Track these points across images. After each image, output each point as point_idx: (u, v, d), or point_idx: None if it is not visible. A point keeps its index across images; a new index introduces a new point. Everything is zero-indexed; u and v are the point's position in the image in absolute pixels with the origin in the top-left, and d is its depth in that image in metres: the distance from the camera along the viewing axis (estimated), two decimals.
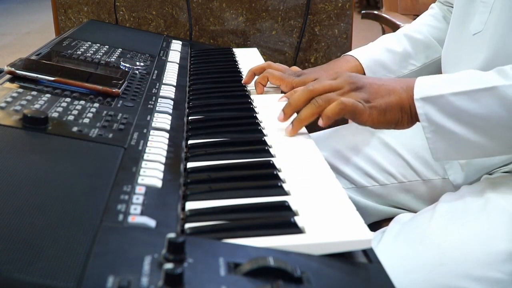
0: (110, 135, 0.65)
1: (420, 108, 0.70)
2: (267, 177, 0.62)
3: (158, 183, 0.56)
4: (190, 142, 0.72)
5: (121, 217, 0.48)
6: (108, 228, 0.46)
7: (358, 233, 0.51)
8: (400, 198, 0.96)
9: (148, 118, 0.74)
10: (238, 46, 1.49)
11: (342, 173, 0.98)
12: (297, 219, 0.52)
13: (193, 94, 0.93)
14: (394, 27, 1.59)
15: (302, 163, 0.67)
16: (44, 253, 0.40)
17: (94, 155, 0.60)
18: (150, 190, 0.54)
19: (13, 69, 0.78)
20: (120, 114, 0.72)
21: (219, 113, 0.83)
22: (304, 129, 0.77)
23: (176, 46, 1.24)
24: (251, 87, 0.99)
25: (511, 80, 0.67)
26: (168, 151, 0.65)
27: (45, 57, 0.91)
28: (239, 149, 0.69)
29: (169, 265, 0.40)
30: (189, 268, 0.42)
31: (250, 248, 0.47)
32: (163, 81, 0.94)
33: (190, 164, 0.65)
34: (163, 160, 0.62)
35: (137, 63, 0.99)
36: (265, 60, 1.24)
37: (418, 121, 0.72)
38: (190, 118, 0.80)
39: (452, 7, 1.03)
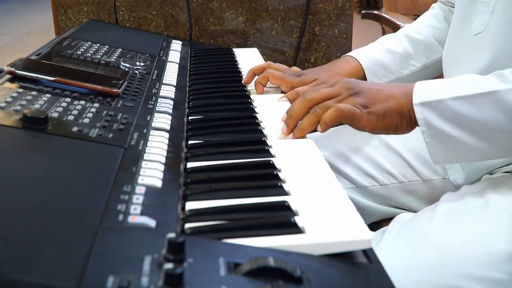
0: (110, 135, 0.65)
1: (419, 113, 0.70)
2: (267, 177, 0.62)
3: (158, 183, 0.56)
4: (190, 142, 0.72)
5: (121, 217, 0.48)
6: (108, 228, 0.46)
7: (358, 233, 0.51)
8: (400, 198, 0.96)
9: (148, 118, 0.74)
10: (238, 46, 1.49)
11: (342, 173, 0.98)
12: (297, 219, 0.52)
13: (193, 94, 0.93)
14: (394, 27, 1.59)
15: (302, 163, 0.67)
16: (44, 253, 0.40)
17: (94, 155, 0.60)
18: (150, 190, 0.54)
19: (13, 69, 0.78)
20: (120, 114, 0.72)
21: (219, 113, 0.83)
22: None
23: (176, 46, 1.24)
24: (251, 87, 0.99)
25: (510, 84, 0.67)
26: (168, 151, 0.65)
27: (45, 57, 0.91)
28: (239, 149, 0.69)
29: (169, 265, 0.40)
30: (189, 268, 0.42)
31: (250, 248, 0.47)
32: (163, 81, 0.94)
33: (190, 164, 0.65)
34: (163, 160, 0.62)
35: (137, 63, 0.99)
36: (265, 60, 1.24)
37: (417, 126, 0.72)
38: (190, 118, 0.80)
39: (454, 7, 1.03)
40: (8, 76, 0.78)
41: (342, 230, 0.51)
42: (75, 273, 0.39)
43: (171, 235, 0.43)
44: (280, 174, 0.62)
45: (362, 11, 1.91)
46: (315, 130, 0.76)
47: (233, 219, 0.53)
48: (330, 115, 0.72)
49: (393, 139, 0.98)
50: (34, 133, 0.61)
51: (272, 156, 0.68)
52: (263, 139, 0.73)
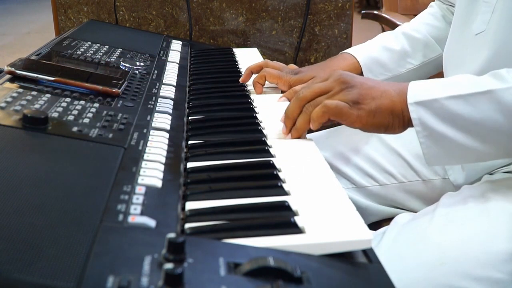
0: (110, 135, 0.65)
1: (414, 112, 0.69)
2: (267, 177, 0.62)
3: (158, 183, 0.56)
4: (190, 142, 0.72)
5: (121, 217, 0.48)
6: (108, 228, 0.46)
7: (358, 233, 0.51)
8: (400, 198, 0.96)
9: (148, 118, 0.74)
10: (238, 46, 1.49)
11: (342, 173, 0.98)
12: (297, 219, 0.52)
13: (193, 94, 0.93)
14: (394, 27, 1.58)
15: (302, 163, 0.67)
16: (44, 253, 0.40)
17: (94, 155, 0.60)
18: (150, 190, 0.54)
19: (13, 69, 0.78)
20: (120, 114, 0.72)
21: (219, 113, 0.83)
22: None
23: (176, 46, 1.24)
24: (251, 87, 0.99)
25: (507, 83, 0.66)
26: (168, 151, 0.65)
27: (45, 57, 0.91)
28: (239, 149, 0.69)
29: (169, 265, 0.40)
30: (189, 268, 0.42)
31: (250, 248, 0.47)
32: (163, 81, 0.94)
33: (190, 164, 0.65)
34: (163, 160, 0.62)
35: (137, 63, 0.99)
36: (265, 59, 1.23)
37: (411, 126, 0.71)
38: (190, 118, 0.80)
39: (452, 6, 1.03)
40: (8, 76, 0.78)
41: (342, 230, 0.51)
42: (75, 273, 0.39)
43: (171, 235, 0.43)
44: (280, 174, 0.62)
45: (362, 11, 1.91)
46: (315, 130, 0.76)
47: (233, 219, 0.53)
48: (317, 112, 0.71)
49: (393, 139, 0.98)
50: (34, 133, 0.61)
51: (272, 156, 0.68)
52: (263, 139, 0.73)
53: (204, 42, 1.48)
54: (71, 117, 0.67)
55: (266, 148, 0.69)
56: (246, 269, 0.43)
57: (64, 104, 0.71)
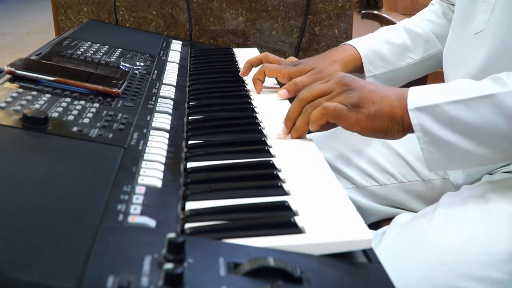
0: (110, 135, 0.65)
1: (415, 118, 0.69)
2: (267, 177, 0.62)
3: (158, 183, 0.56)
4: (190, 142, 0.72)
5: (121, 217, 0.48)
6: (108, 228, 0.46)
7: (358, 233, 0.51)
8: (400, 198, 0.96)
9: (148, 118, 0.74)
10: (238, 46, 1.49)
11: (342, 173, 0.98)
12: (297, 219, 0.52)
13: (193, 94, 0.93)
14: None
15: (302, 163, 0.67)
16: (44, 253, 0.40)
17: (94, 155, 0.60)
18: (150, 190, 0.54)
19: (13, 69, 0.78)
20: (120, 114, 0.72)
21: (219, 113, 0.83)
22: None
23: (176, 46, 1.24)
24: (251, 87, 0.99)
25: (507, 87, 0.66)
26: (168, 151, 0.65)
27: (45, 57, 0.91)
28: (239, 149, 0.69)
29: (169, 265, 0.40)
30: (189, 268, 0.42)
31: (250, 248, 0.47)
32: (163, 81, 0.94)
33: (190, 164, 0.65)
34: (163, 160, 0.62)
35: (137, 63, 0.99)
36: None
37: (410, 132, 0.71)
38: (190, 118, 0.80)
39: (452, 4, 1.03)
40: (8, 76, 0.78)
41: (342, 230, 0.51)
42: (75, 273, 0.39)
43: (171, 235, 0.43)
44: (280, 174, 0.62)
45: (362, 11, 1.91)
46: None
47: (233, 219, 0.53)
48: (316, 114, 0.71)
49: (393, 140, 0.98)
50: (34, 133, 0.61)
51: (272, 156, 0.68)
52: (263, 139, 0.73)
53: (204, 42, 1.48)
54: (71, 117, 0.67)
55: (266, 148, 0.69)
56: (246, 269, 0.43)
57: (64, 104, 0.71)
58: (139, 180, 0.56)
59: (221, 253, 0.45)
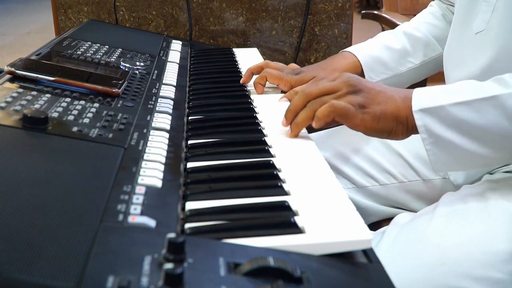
0: (110, 135, 0.65)
1: (419, 120, 0.69)
2: (267, 177, 0.62)
3: (158, 183, 0.56)
4: (190, 142, 0.72)
5: (121, 217, 0.48)
6: (108, 228, 0.46)
7: (358, 233, 0.51)
8: (401, 198, 0.96)
9: (148, 118, 0.74)
10: (238, 46, 1.49)
11: (342, 173, 0.98)
12: (297, 219, 0.52)
13: (193, 94, 0.93)
14: (394, 27, 1.58)
15: (302, 163, 0.67)
16: (44, 253, 0.40)
17: (94, 155, 0.60)
18: (150, 190, 0.54)
19: (13, 69, 0.78)
20: (120, 114, 0.72)
21: (219, 113, 0.83)
22: (304, 129, 0.77)
23: (176, 46, 1.24)
24: (251, 87, 0.99)
25: (511, 88, 0.66)
26: (168, 151, 0.65)
27: (45, 57, 0.91)
28: (239, 149, 0.69)
29: (169, 265, 0.40)
30: (189, 268, 0.42)
31: (250, 248, 0.47)
32: (163, 81, 0.94)
33: (190, 164, 0.65)
34: (163, 160, 0.62)
35: (137, 63, 0.99)
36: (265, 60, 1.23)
37: (415, 133, 0.71)
38: (190, 118, 0.80)
39: (452, 5, 1.03)
40: (8, 76, 0.78)
41: (342, 230, 0.51)
42: (75, 273, 0.39)
43: (171, 235, 0.43)
44: (280, 174, 0.62)
45: (362, 11, 1.91)
46: (314, 130, 0.76)
47: (233, 219, 0.53)
48: (323, 111, 0.71)
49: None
50: (34, 133, 0.61)
51: (272, 156, 0.68)
52: (263, 139, 0.73)
53: (204, 42, 1.48)
54: (71, 117, 0.67)
55: (266, 148, 0.69)
56: (246, 269, 0.43)
57: (64, 104, 0.71)
58: (139, 180, 0.56)
59: (221, 253, 0.45)
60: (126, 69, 0.94)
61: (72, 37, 1.09)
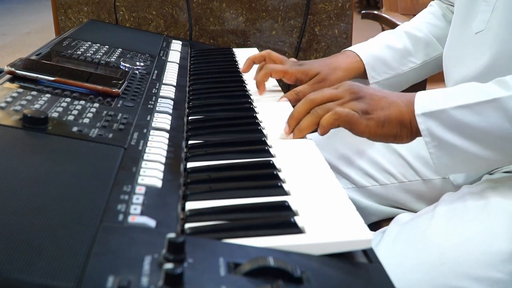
0: (110, 135, 0.65)
1: (422, 123, 0.70)
2: (267, 177, 0.62)
3: (158, 183, 0.56)
4: (190, 142, 0.72)
5: (121, 217, 0.48)
6: (108, 228, 0.46)
7: (358, 233, 0.51)
8: (400, 198, 0.96)
9: (148, 118, 0.74)
10: (238, 46, 1.49)
11: (342, 173, 0.98)
12: (297, 219, 0.52)
13: (193, 94, 0.93)
14: (394, 27, 1.58)
15: (302, 163, 0.67)
16: (44, 253, 0.40)
17: (94, 155, 0.60)
18: (150, 190, 0.54)
19: (13, 69, 0.78)
20: (120, 114, 0.72)
21: (219, 113, 0.83)
22: None
23: (176, 46, 1.24)
24: (251, 87, 0.98)
25: None
26: (168, 151, 0.65)
27: (45, 57, 0.91)
28: (239, 149, 0.69)
29: (169, 265, 0.40)
30: (189, 268, 0.42)
31: (250, 248, 0.47)
32: (163, 81, 0.94)
33: (190, 164, 0.65)
34: (163, 160, 0.62)
35: (137, 63, 0.99)
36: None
37: (419, 135, 0.71)
38: (190, 118, 0.80)
39: (452, 5, 1.03)
40: (8, 76, 0.78)
41: (342, 230, 0.51)
42: (75, 273, 0.39)
43: (171, 235, 0.43)
44: (280, 174, 0.62)
45: (362, 11, 1.91)
46: (314, 130, 0.76)
47: (233, 219, 0.53)
48: (328, 119, 0.72)
49: None
50: (34, 133, 0.61)
51: (272, 156, 0.68)
52: (263, 139, 0.73)
53: (204, 42, 1.48)
54: (71, 117, 0.67)
55: (266, 148, 0.69)
56: (246, 269, 0.43)
57: (64, 104, 0.71)
58: (139, 180, 0.56)
59: (221, 253, 0.45)
60: (126, 69, 0.94)
61: (72, 37, 1.09)
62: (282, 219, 0.52)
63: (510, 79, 0.68)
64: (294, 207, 0.54)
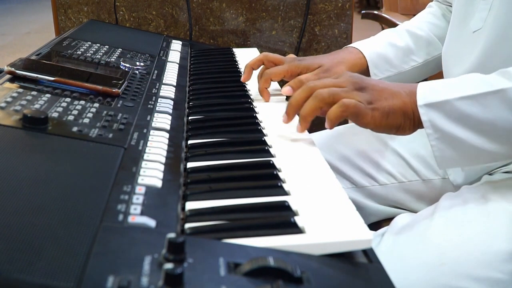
0: (110, 135, 0.65)
1: (424, 114, 0.68)
2: (267, 177, 0.62)
3: (158, 183, 0.56)
4: (190, 142, 0.72)
5: (121, 217, 0.48)
6: (108, 228, 0.46)
7: (358, 233, 0.51)
8: (400, 198, 0.96)
9: (148, 118, 0.74)
10: (238, 46, 1.49)
11: (342, 173, 0.98)
12: (297, 219, 0.52)
13: (193, 94, 0.93)
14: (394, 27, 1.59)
15: (302, 163, 0.67)
16: (44, 253, 0.40)
17: (94, 155, 0.60)
18: (150, 190, 0.54)
19: (13, 69, 0.78)
20: (120, 114, 0.72)
21: (219, 113, 0.83)
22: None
23: (176, 46, 1.24)
24: (251, 87, 0.98)
25: None
26: (168, 151, 0.65)
27: (45, 57, 0.91)
28: (239, 149, 0.69)
29: (169, 265, 0.40)
30: (189, 268, 0.42)
31: (250, 248, 0.47)
32: (163, 81, 0.94)
33: (190, 164, 0.65)
34: (163, 160, 0.62)
35: (137, 63, 0.99)
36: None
37: (421, 127, 0.70)
38: (190, 118, 0.80)
39: (451, 6, 1.03)
40: (8, 76, 0.78)
41: (342, 230, 0.51)
42: (75, 273, 0.39)
43: (171, 235, 0.43)
44: (280, 174, 0.62)
45: (362, 11, 1.91)
46: (314, 130, 0.75)
47: (233, 219, 0.53)
48: (335, 112, 0.68)
49: (392, 139, 0.98)
50: (34, 133, 0.61)
51: (272, 156, 0.68)
52: (263, 139, 0.73)
53: (204, 42, 1.48)
54: (71, 117, 0.67)
55: (266, 148, 0.69)
56: (246, 269, 0.43)
57: (64, 104, 0.71)
58: (139, 180, 0.56)
59: (221, 253, 0.45)
60: (126, 69, 0.94)
61: (72, 37, 1.09)
62: (282, 219, 0.52)
63: None
64: (294, 207, 0.54)
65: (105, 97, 0.78)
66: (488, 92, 0.66)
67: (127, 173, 0.56)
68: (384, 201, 0.97)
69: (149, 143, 0.66)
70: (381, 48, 1.01)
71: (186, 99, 0.90)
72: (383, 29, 1.95)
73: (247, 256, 0.45)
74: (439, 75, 1.00)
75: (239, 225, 0.52)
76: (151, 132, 0.70)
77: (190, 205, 0.55)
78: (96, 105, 0.73)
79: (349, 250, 0.50)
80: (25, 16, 5.29)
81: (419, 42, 1.02)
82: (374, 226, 0.95)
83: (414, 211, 0.91)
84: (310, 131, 0.80)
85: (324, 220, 0.53)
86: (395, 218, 0.79)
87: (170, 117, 0.77)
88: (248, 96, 0.92)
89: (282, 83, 1.03)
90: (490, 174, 0.83)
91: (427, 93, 0.69)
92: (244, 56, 1.23)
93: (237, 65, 1.15)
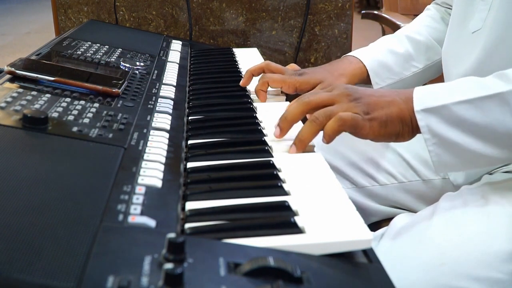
0: (110, 135, 0.65)
1: (422, 120, 0.68)
2: (267, 177, 0.62)
3: (158, 183, 0.56)
4: (190, 142, 0.72)
5: (121, 217, 0.48)
6: (108, 228, 0.46)
7: (358, 233, 0.51)
8: (400, 198, 0.96)
9: (148, 118, 0.74)
10: (238, 46, 1.49)
11: (342, 173, 0.98)
12: (297, 219, 0.52)
13: (193, 94, 0.93)
14: (394, 27, 1.59)
15: (302, 163, 0.67)
16: (44, 253, 0.40)
17: (94, 155, 0.60)
18: (150, 190, 0.54)
19: (13, 69, 0.78)
20: (120, 114, 0.72)
21: (219, 113, 0.83)
22: None
23: (176, 46, 1.24)
24: (251, 87, 0.98)
25: None
26: (168, 151, 0.65)
27: (45, 57, 0.91)
28: (239, 149, 0.69)
29: (169, 265, 0.40)
30: (189, 268, 0.42)
31: (250, 248, 0.47)
32: (163, 81, 0.94)
33: (190, 164, 0.65)
34: (163, 160, 0.62)
35: (137, 63, 0.99)
36: (265, 60, 1.23)
37: (419, 132, 0.69)
38: (190, 118, 0.80)
39: (450, 8, 1.03)
40: (8, 76, 0.78)
41: (342, 230, 0.51)
42: (75, 273, 0.39)
43: (171, 235, 0.43)
44: (280, 174, 0.62)
45: (362, 11, 1.91)
46: None
47: (233, 219, 0.53)
48: (332, 126, 0.68)
49: None
50: (34, 133, 0.61)
51: (272, 156, 0.68)
52: (263, 139, 0.73)
53: (204, 42, 1.48)
54: (71, 117, 0.67)
55: (266, 148, 0.69)
56: (246, 269, 0.43)
57: (64, 104, 0.71)
58: (139, 180, 0.56)
59: (221, 253, 0.45)
60: (126, 69, 0.94)
61: (72, 37, 1.09)
62: (282, 219, 0.52)
63: (511, 72, 0.66)
64: (294, 207, 0.54)
65: (105, 97, 0.78)
66: (486, 96, 0.66)
67: (127, 173, 0.57)
68: (384, 201, 0.97)
69: (149, 143, 0.66)
70: (380, 55, 1.00)
71: (186, 99, 0.90)
72: (383, 29, 1.95)
73: (247, 256, 0.45)
74: (439, 78, 1.00)
75: (239, 225, 0.52)
76: (151, 132, 0.70)
77: (190, 205, 0.55)
78: (96, 105, 0.73)
79: (349, 250, 0.50)
80: (25, 16, 5.29)
81: (419, 47, 1.01)
82: (374, 226, 0.95)
83: (414, 211, 0.91)
84: None
85: (324, 220, 0.53)
86: (394, 218, 0.79)
87: (170, 117, 0.77)
88: (248, 96, 0.92)
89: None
90: (490, 174, 0.83)
91: (423, 98, 0.69)
92: (244, 56, 1.23)
93: (237, 65, 1.15)
